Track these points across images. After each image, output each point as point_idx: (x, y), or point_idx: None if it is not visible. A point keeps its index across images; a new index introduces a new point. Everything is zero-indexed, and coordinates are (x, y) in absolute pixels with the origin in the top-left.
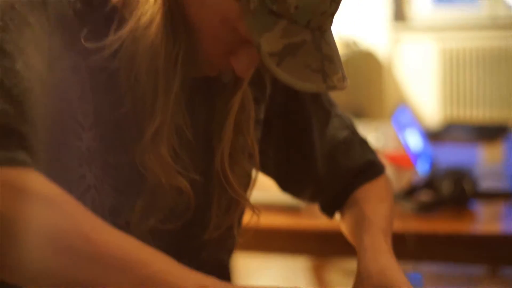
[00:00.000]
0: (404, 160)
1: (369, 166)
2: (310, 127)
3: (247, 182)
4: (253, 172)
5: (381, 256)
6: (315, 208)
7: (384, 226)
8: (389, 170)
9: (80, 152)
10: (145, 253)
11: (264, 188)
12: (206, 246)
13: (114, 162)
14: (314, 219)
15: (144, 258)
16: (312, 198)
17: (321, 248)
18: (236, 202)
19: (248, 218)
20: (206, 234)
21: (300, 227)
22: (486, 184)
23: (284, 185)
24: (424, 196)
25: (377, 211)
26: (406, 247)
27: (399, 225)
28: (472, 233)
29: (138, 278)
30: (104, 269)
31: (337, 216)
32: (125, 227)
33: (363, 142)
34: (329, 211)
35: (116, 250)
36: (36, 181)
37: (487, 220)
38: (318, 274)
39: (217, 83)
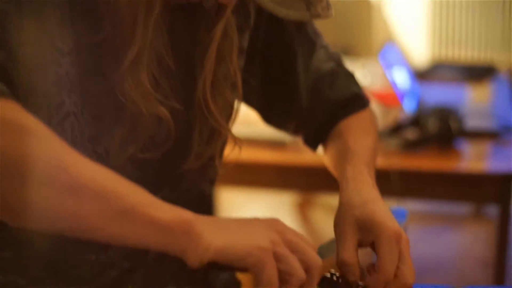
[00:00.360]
0: (391, 97)
1: (354, 99)
2: (294, 57)
3: (229, 113)
4: (236, 103)
5: (364, 188)
6: (301, 143)
7: (367, 158)
8: (376, 108)
9: (59, 77)
10: (123, 186)
11: (250, 123)
12: (187, 176)
13: (93, 89)
14: (300, 154)
15: (121, 190)
16: (295, 131)
17: (306, 183)
18: (218, 132)
19: (230, 149)
20: (186, 164)
21: (285, 162)
22: (472, 123)
23: (267, 117)
24: (410, 134)
25: (361, 143)
26: (390, 183)
27: (384, 162)
28: (456, 171)
29: (115, 210)
30: (83, 201)
31: (320, 149)
32: (104, 155)
33: (349, 75)
34: (312, 144)
35: (93, 182)
36: (13, 111)
37: (472, 159)
38: (303, 210)
39: (199, 10)
